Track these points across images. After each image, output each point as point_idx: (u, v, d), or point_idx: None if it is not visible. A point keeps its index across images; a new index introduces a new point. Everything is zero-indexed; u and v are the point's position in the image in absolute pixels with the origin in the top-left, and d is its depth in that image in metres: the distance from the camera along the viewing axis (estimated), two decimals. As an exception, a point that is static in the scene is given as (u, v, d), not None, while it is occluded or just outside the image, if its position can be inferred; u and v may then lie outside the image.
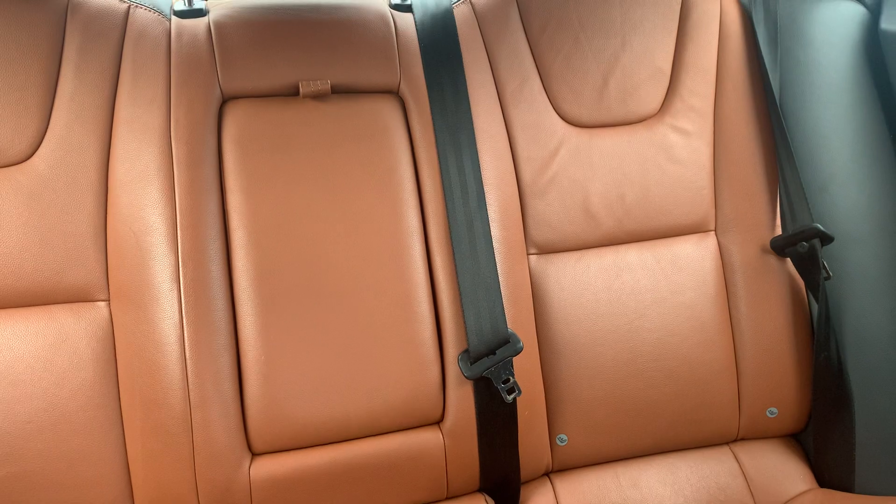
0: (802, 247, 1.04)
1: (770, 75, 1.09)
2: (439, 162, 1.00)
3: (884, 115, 1.10)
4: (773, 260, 1.07)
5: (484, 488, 1.01)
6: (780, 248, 1.06)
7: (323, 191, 0.96)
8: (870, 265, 1.06)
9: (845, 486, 1.04)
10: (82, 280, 0.91)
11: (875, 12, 1.12)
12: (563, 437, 1.03)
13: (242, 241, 0.94)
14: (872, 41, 1.11)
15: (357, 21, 1.03)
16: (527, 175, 1.05)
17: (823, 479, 1.06)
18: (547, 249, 1.05)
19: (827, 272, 1.03)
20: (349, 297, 0.94)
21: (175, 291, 0.90)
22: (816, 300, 1.05)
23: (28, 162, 0.91)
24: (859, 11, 1.13)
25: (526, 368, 0.99)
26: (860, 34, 1.11)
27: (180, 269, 0.91)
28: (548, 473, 1.06)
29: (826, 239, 1.03)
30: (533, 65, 1.07)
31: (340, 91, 1.00)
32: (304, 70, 0.99)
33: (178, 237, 0.91)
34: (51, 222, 0.90)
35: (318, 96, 0.99)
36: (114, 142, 0.93)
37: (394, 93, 1.02)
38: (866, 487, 1.04)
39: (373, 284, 0.95)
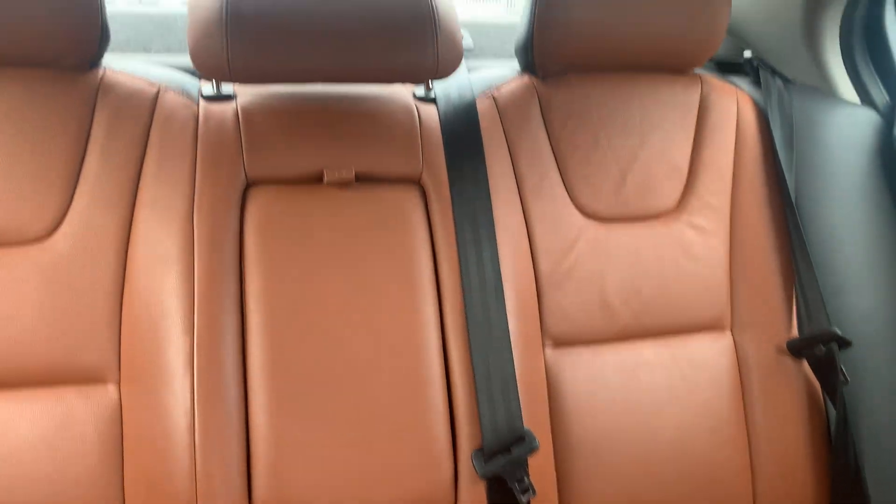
0: (820, 350, 1.04)
1: (786, 176, 1.10)
2: (458, 252, 1.00)
3: None
4: (789, 361, 1.07)
5: None
6: (796, 349, 1.06)
7: (342, 279, 0.96)
8: (886, 370, 1.06)
9: None
10: (94, 362, 0.90)
11: (889, 119, 1.14)
12: None
13: (259, 327, 0.93)
14: (886, 147, 1.13)
15: (382, 111, 1.04)
16: (544, 267, 1.05)
17: None
18: (563, 342, 1.04)
19: (845, 377, 1.02)
20: (364, 388, 0.93)
21: (188, 377, 0.89)
22: (834, 404, 1.04)
23: (48, 240, 0.91)
24: (873, 118, 1.15)
25: (540, 467, 0.97)
26: (874, 140, 1.13)
27: (195, 354, 0.90)
28: None
29: (843, 343, 1.02)
30: (553, 159, 1.08)
31: (364, 179, 1.01)
32: (328, 158, 1.00)
33: (195, 322, 0.90)
34: (67, 303, 0.89)
35: (341, 184, 0.99)
36: (135, 223, 0.93)
37: (416, 182, 1.03)
38: None
39: (388, 376, 0.94)
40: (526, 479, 0.93)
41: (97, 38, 0.95)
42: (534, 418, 0.98)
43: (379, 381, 0.94)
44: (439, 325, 0.98)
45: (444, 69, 0.97)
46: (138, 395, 0.89)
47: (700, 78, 1.15)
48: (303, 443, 0.90)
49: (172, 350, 0.90)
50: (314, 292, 0.95)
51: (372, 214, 0.99)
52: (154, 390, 0.89)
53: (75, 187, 0.93)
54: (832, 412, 1.05)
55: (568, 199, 1.08)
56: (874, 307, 1.08)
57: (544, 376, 1.02)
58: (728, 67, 1.26)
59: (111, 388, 0.90)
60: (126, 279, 0.92)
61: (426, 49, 0.94)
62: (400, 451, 0.92)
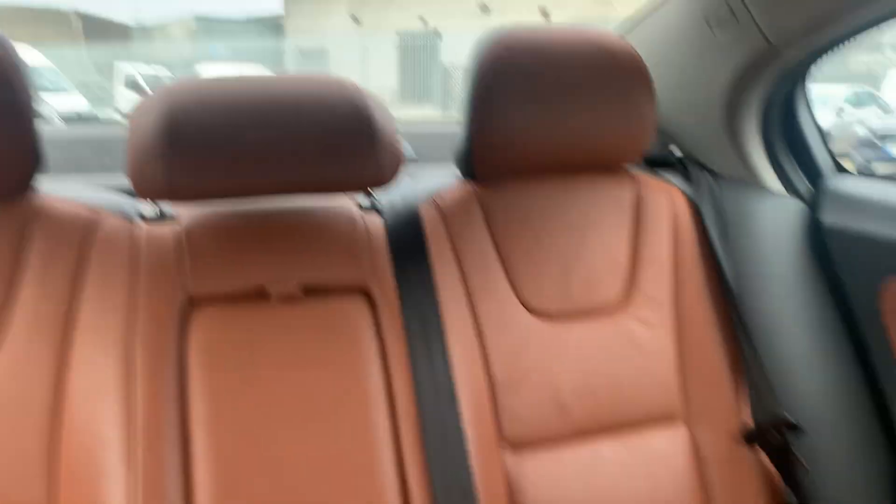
0: (774, 438, 1.04)
1: (724, 267, 1.13)
2: (409, 360, 0.99)
3: (833, 302, 1.15)
4: (745, 450, 1.07)
5: None
6: (751, 438, 1.06)
7: (292, 400, 0.93)
8: (840, 458, 1.06)
9: None
10: (29, 499, 0.84)
11: (813, 206, 1.19)
12: None
13: (204, 452, 0.89)
14: (813, 233, 1.18)
15: (326, 223, 1.04)
16: (497, 369, 1.04)
17: None
18: (520, 445, 1.03)
19: (804, 464, 1.03)
20: None
21: None
22: (794, 492, 1.03)
23: None
24: (799, 206, 1.21)
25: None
26: (802, 227, 1.18)
27: (138, 487, 0.85)
28: None
29: (794, 428, 1.03)
30: (498, 261, 1.09)
31: (310, 292, 1.00)
32: (272, 272, 0.99)
33: (138, 453, 0.86)
34: None
35: (287, 299, 0.98)
36: (73, 351, 0.90)
37: (363, 292, 1.02)
38: None
39: (343, 493, 0.90)
40: None
41: (31, 164, 0.94)
42: None
43: (334, 498, 0.90)
44: (394, 437, 0.96)
45: (385, 177, 0.98)
46: None
47: (634, 176, 1.19)
48: None
49: (112, 484, 0.85)
50: (263, 415, 0.92)
51: (319, 328, 0.98)
52: None
53: (10, 316, 0.89)
54: (793, 500, 1.05)
55: (515, 300, 1.08)
56: (822, 390, 1.09)
57: (504, 481, 1.00)
58: (660, 164, 1.31)
59: None
60: (63, 408, 0.88)
61: (366, 158, 0.95)
62: None
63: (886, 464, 1.08)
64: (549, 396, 1.05)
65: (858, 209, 1.13)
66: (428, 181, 1.17)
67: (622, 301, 1.12)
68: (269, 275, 0.99)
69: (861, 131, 7.75)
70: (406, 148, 1.20)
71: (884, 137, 7.36)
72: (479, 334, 1.05)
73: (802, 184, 1.24)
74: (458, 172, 1.17)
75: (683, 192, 1.20)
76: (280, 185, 0.96)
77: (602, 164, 1.16)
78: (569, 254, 1.12)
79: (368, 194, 1.12)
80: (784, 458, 1.05)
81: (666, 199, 1.18)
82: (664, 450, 1.06)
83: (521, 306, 1.08)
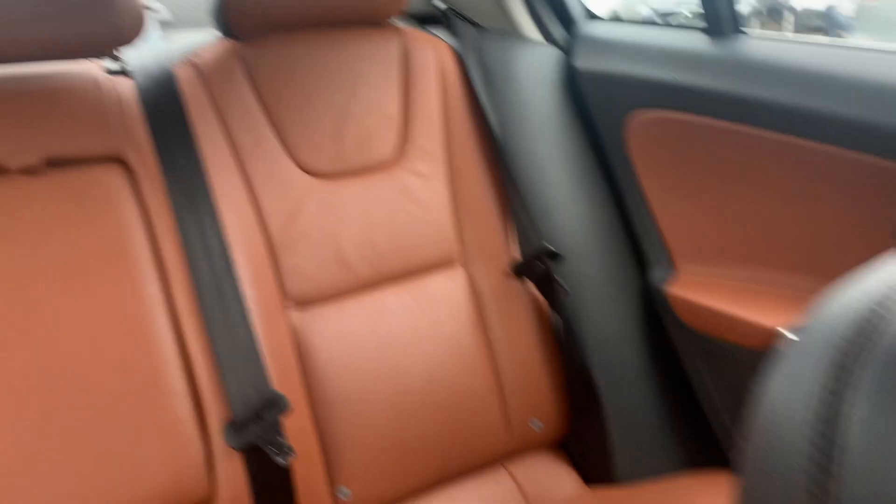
0: (539, 267, 1.13)
1: (489, 115, 1.18)
2: (178, 227, 0.96)
3: (588, 141, 1.24)
4: (515, 283, 1.15)
5: None
6: (519, 271, 1.15)
7: (50, 278, 0.87)
8: (596, 278, 1.18)
9: (608, 479, 1.14)
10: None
11: (568, 52, 1.26)
12: (345, 489, 1.02)
13: None
14: (569, 78, 1.25)
15: (67, 89, 0.96)
16: (274, 230, 1.04)
17: (588, 477, 1.15)
18: (305, 303, 1.04)
19: (564, 288, 1.13)
20: (91, 386, 0.86)
21: None
22: (558, 313, 1.14)
23: None
24: (556, 53, 1.27)
25: (298, 427, 0.97)
26: (559, 72, 1.25)
27: None
28: None
29: (557, 257, 1.13)
30: (266, 120, 1.07)
31: (55, 163, 0.92)
32: (9, 144, 0.90)
33: None
34: None
35: (28, 172, 0.90)
36: None
37: (118, 161, 0.96)
38: (625, 477, 1.14)
39: (117, 368, 0.88)
40: (282, 440, 0.92)
41: None
42: (285, 381, 0.97)
43: (107, 374, 0.87)
44: (168, 305, 0.93)
45: (126, 35, 0.91)
46: None
47: (400, 30, 1.19)
48: (31, 458, 0.81)
49: None
50: (19, 298, 0.86)
51: (70, 201, 0.91)
52: None
53: None
54: (558, 321, 1.16)
55: (288, 159, 1.07)
56: (579, 221, 1.20)
57: (290, 338, 1.01)
58: (425, 19, 1.32)
59: None
60: None
61: (103, 16, 0.88)
62: (141, 441, 0.87)
63: (636, 279, 1.21)
64: (331, 253, 1.06)
65: (608, 51, 1.20)
66: (184, 41, 1.10)
67: (397, 155, 1.14)
68: (5, 147, 0.90)
69: (645, 11, 8.22)
70: (159, 9, 1.12)
71: (666, 15, 7.87)
72: (253, 196, 1.04)
73: (559, 31, 1.30)
74: (217, 32, 1.11)
75: (449, 45, 1.22)
76: (12, 52, 0.87)
77: (366, 19, 1.15)
78: (340, 110, 1.11)
79: (115, 58, 1.04)
80: (548, 286, 1.14)
81: (432, 52, 1.20)
82: (444, 291, 1.12)
83: (294, 166, 1.07)
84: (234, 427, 0.91)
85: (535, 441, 1.15)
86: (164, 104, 1.01)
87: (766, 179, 1.03)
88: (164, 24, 1.10)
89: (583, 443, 1.15)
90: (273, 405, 0.92)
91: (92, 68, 1.01)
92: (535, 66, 1.25)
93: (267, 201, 1.04)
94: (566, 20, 1.30)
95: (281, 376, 0.97)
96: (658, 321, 1.20)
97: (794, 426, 0.28)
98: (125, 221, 0.94)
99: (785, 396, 0.30)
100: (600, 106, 1.21)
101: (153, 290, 0.93)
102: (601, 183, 1.22)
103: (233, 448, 0.90)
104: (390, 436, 1.04)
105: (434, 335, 1.09)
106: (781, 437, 0.29)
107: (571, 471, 1.16)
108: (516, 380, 1.13)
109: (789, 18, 4.16)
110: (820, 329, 0.30)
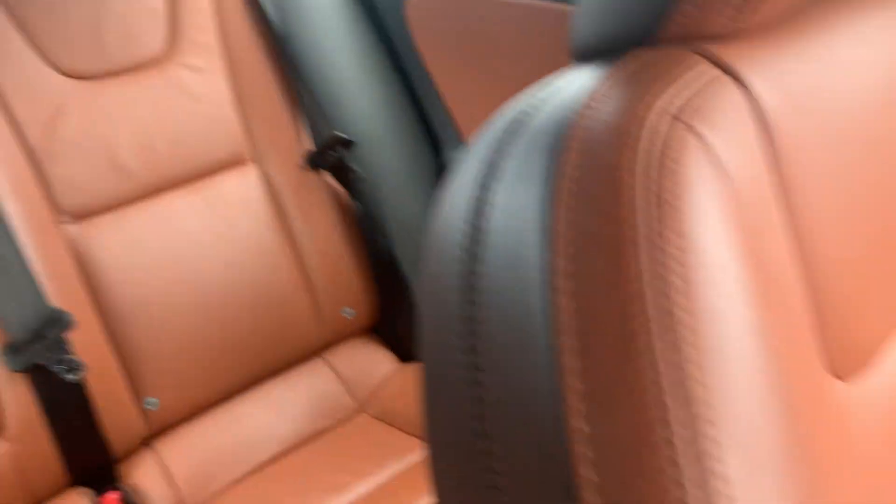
0: (331, 156, 1.12)
1: (267, 7, 1.13)
2: None
3: (372, 26, 1.22)
4: (312, 176, 1.14)
5: (79, 481, 0.93)
6: (314, 162, 1.13)
7: None
8: (391, 162, 1.19)
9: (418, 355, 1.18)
10: None
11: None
12: (153, 400, 0.99)
13: None
14: None
15: None
16: (33, 139, 0.95)
17: (402, 356, 1.19)
18: (82, 215, 0.98)
19: (360, 175, 1.13)
20: None
21: None
22: (357, 200, 1.14)
23: None
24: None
25: (90, 342, 0.92)
26: None
27: None
28: (147, 442, 1.01)
29: (348, 144, 1.12)
30: (9, 21, 0.96)
31: None
32: None
33: None
34: None
35: None
36: None
37: None
38: None
39: None
40: (70, 357, 0.87)
41: None
42: (67, 297, 0.92)
43: None
44: None
45: None
46: None
47: None
48: None
49: None
50: None
51: None
52: None
53: None
54: (358, 208, 1.16)
55: (41, 62, 0.98)
56: (371, 110, 1.19)
57: (68, 253, 0.95)
58: None
59: None
60: None
61: None
62: None
63: (432, 160, 1.24)
64: (105, 161, 1.00)
65: None
66: None
67: (167, 51, 1.07)
68: None
69: None
70: None
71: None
72: (4, 104, 0.94)
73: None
74: None
75: None
76: None
77: None
78: (95, 4, 1.02)
79: None
80: (345, 175, 1.14)
81: None
82: (237, 190, 1.09)
83: (48, 67, 0.98)
84: (13, 349, 0.85)
85: (348, 329, 1.17)
86: None
87: (550, 51, 1.06)
88: None
89: (393, 325, 1.19)
90: (54, 322, 0.87)
91: None
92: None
93: (20, 108, 0.95)
94: None
95: (62, 293, 0.91)
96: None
97: (453, 222, 0.30)
98: None
99: (451, 198, 0.31)
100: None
101: None
102: (389, 67, 1.21)
103: (16, 371, 0.85)
104: (194, 341, 1.02)
105: (231, 236, 1.07)
106: (445, 233, 0.31)
107: (388, 352, 1.19)
108: (323, 271, 1.13)
109: None
110: (483, 133, 0.32)
